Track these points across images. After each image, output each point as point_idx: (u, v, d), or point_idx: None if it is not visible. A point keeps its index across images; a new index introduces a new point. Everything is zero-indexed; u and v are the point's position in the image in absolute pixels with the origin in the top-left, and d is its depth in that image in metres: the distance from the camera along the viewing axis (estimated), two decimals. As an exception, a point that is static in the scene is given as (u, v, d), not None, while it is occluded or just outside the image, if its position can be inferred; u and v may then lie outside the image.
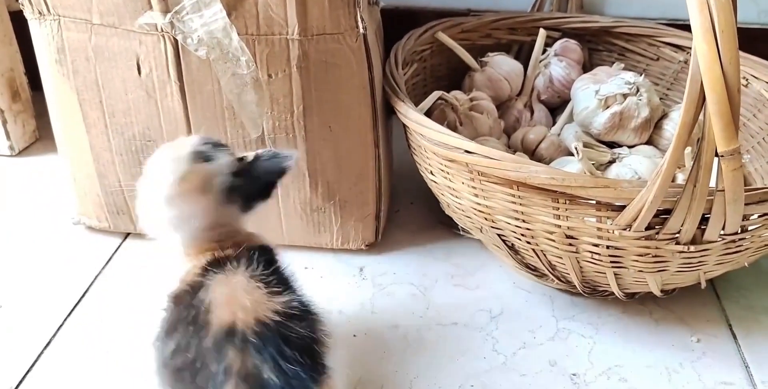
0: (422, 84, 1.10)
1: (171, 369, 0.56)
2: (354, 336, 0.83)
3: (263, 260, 0.61)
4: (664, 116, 1.03)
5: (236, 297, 0.55)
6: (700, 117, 0.61)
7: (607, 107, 1.00)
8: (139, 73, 0.84)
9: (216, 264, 0.60)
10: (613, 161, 0.99)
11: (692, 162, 0.64)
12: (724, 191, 0.65)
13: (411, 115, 0.83)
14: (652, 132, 1.03)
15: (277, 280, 0.59)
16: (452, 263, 0.96)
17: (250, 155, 0.66)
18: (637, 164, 0.96)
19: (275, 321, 0.55)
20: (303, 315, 0.57)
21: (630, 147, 1.03)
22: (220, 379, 0.53)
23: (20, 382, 0.76)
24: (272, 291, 0.57)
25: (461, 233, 0.95)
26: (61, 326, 0.84)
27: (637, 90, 1.00)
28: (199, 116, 0.86)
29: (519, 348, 0.82)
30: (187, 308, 0.57)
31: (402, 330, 0.84)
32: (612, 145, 1.04)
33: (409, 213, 1.05)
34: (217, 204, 0.63)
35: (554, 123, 1.09)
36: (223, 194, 0.63)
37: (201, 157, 0.63)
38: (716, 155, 0.62)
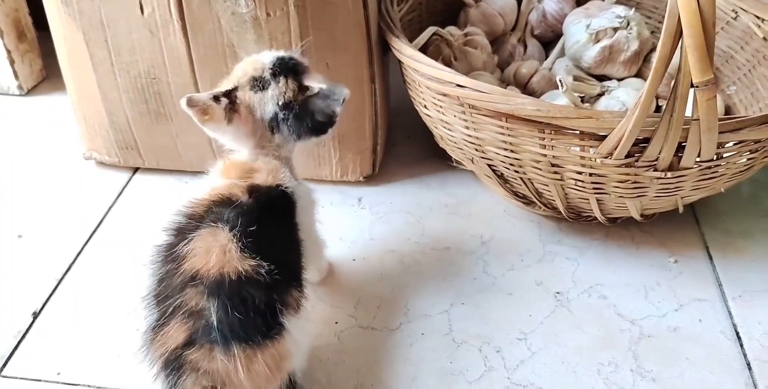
0: (418, 20, 1.12)
1: (151, 295, 0.62)
2: (353, 260, 0.89)
3: (259, 217, 0.63)
4: (654, 49, 1.06)
5: (211, 252, 0.60)
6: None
7: (598, 41, 1.03)
8: (142, 12, 0.87)
9: (220, 205, 0.63)
10: (602, 94, 1.02)
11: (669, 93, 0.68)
12: (699, 120, 0.69)
13: (405, 50, 0.86)
14: (641, 65, 1.06)
15: (258, 243, 0.61)
16: (446, 193, 1.00)
17: (314, 88, 0.68)
18: (625, 97, 0.99)
19: (237, 279, 0.59)
20: (266, 283, 0.60)
21: (619, 80, 1.06)
22: (171, 310, 0.59)
23: (42, 306, 0.83)
24: (245, 255, 0.60)
25: (455, 164, 0.99)
26: (78, 254, 0.90)
27: (628, 24, 1.02)
28: (201, 54, 0.89)
29: (507, 269, 0.88)
30: (176, 246, 0.61)
31: (398, 255, 0.90)
32: (602, 78, 1.07)
33: (405, 146, 1.10)
34: (262, 130, 0.68)
35: (547, 57, 1.12)
36: (268, 123, 0.68)
37: (256, 84, 0.68)
38: (692, 86, 0.66)
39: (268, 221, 0.64)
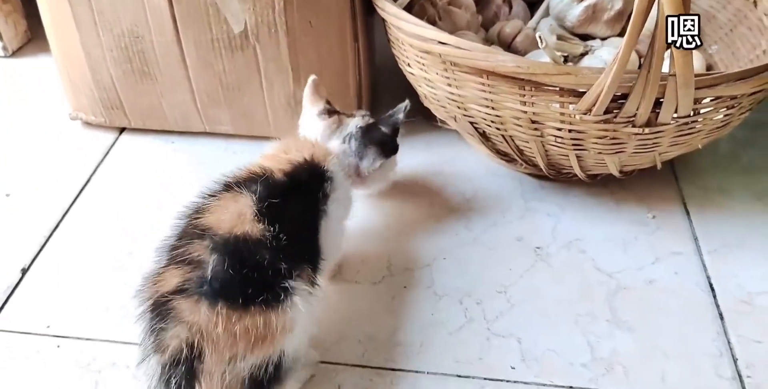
0: (402, -21, 1.11)
1: (166, 245, 0.63)
2: (338, 219, 0.90)
3: (286, 192, 0.67)
4: (637, 8, 1.06)
5: (227, 213, 0.63)
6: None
7: (582, 0, 1.03)
8: (124, -30, 0.87)
9: (252, 180, 0.67)
10: (585, 53, 1.03)
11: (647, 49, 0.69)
12: (675, 75, 0.70)
13: (388, 8, 0.86)
14: (624, 24, 1.06)
15: (275, 211, 0.64)
16: (431, 153, 1.02)
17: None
18: (608, 56, 0.99)
19: (242, 240, 0.61)
20: (274, 249, 0.62)
21: (603, 39, 1.07)
22: (173, 257, 0.61)
23: (31, 263, 0.84)
24: (258, 219, 0.63)
25: (439, 124, 1.00)
26: (66, 212, 0.91)
27: (612, -18, 1.02)
28: (184, 13, 0.89)
29: (489, 226, 0.89)
30: (199, 204, 0.65)
31: (382, 212, 0.91)
32: (586, 37, 1.07)
33: (391, 107, 1.09)
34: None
35: (532, 17, 1.12)
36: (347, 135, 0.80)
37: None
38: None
39: (295, 198, 0.67)
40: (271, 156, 0.73)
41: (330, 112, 0.83)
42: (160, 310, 0.58)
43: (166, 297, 0.58)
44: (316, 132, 0.81)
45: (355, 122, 0.82)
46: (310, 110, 0.83)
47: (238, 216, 0.62)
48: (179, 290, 0.58)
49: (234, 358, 0.58)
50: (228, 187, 0.66)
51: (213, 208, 0.64)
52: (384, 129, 0.81)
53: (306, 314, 0.62)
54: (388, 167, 0.85)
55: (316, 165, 0.73)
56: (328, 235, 0.72)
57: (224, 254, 0.59)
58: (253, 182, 0.66)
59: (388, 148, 0.82)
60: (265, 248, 0.61)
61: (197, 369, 0.56)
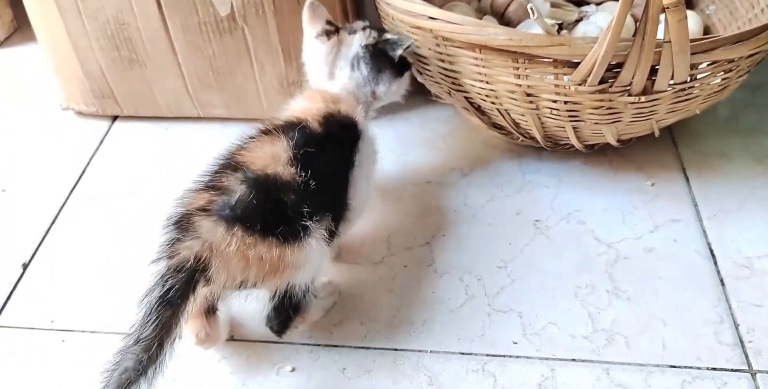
0: (391, -49, 1.09)
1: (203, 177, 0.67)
2: (335, 198, 0.89)
3: (321, 142, 0.71)
4: (631, -30, 1.04)
5: (263, 153, 0.67)
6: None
7: (574, -35, 1.01)
8: (105, -45, 0.85)
9: (289, 126, 0.71)
10: (580, 20, 1.01)
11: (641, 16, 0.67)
12: (671, 42, 0.68)
13: (376, -17, 0.85)
14: (618, -12, 1.04)
15: (309, 159, 0.68)
16: (427, 129, 1.01)
17: (385, 36, 0.81)
18: (602, 22, 0.98)
19: (272, 179, 0.65)
20: (297, 191, 0.66)
21: (597, 4, 1.05)
22: (206, 182, 0.66)
23: (32, 257, 0.84)
24: (291, 164, 0.67)
25: (434, 98, 0.98)
26: (63, 204, 0.91)
27: (605, -54, 1.00)
28: (168, -3, 0.88)
29: (487, 200, 0.89)
30: (248, 141, 0.70)
31: (380, 191, 0.90)
32: (580, 3, 1.05)
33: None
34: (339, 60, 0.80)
35: (525, -15, 1.10)
36: (351, 58, 0.79)
37: (350, 30, 0.81)
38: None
39: (328, 148, 0.71)
40: (302, 109, 0.75)
41: (328, 32, 0.81)
42: (182, 223, 0.62)
43: (191, 212, 0.63)
44: (318, 58, 0.80)
45: (358, 41, 0.80)
46: (309, 33, 0.81)
47: (273, 157, 0.67)
48: (203, 209, 0.63)
49: (245, 283, 0.63)
50: (267, 132, 0.70)
51: (251, 147, 0.68)
52: (389, 54, 0.80)
53: (318, 254, 0.67)
54: (402, 84, 0.84)
55: (348, 117, 0.76)
56: (357, 185, 0.75)
57: (252, 187, 0.64)
58: (291, 129, 0.70)
59: (399, 67, 0.82)
60: (293, 190, 0.65)
61: (198, 281, 0.60)
